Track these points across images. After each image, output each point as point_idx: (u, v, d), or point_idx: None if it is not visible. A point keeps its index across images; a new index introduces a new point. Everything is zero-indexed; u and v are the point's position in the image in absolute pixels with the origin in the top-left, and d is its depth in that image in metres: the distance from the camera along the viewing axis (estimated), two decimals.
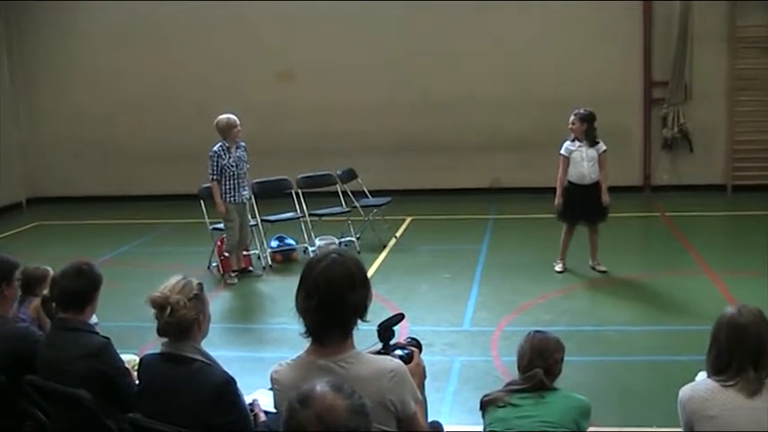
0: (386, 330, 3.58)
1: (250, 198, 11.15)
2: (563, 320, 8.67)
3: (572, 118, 10.35)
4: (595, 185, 10.23)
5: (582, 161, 10.21)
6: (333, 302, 3.24)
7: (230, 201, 10.61)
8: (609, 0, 15.49)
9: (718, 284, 9.80)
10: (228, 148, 10.61)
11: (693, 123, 15.68)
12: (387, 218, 12.98)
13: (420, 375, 3.58)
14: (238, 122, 10.62)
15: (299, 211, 12.15)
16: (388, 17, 15.84)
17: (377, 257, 11.66)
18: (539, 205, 14.76)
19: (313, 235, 11.90)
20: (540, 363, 4.29)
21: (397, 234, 12.94)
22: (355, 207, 12.55)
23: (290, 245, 11.83)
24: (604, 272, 10.45)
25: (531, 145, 15.73)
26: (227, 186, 10.60)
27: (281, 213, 12.02)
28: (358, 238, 12.22)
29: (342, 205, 12.56)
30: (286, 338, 8.05)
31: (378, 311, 3.55)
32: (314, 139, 16.00)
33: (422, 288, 10.22)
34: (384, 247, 12.21)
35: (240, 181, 10.71)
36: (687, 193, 15.51)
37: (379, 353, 3.50)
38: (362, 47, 15.97)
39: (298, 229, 11.95)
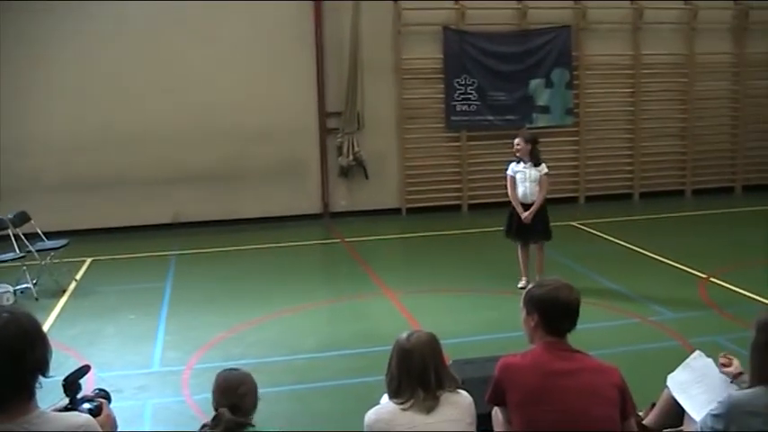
0: (72, 384, 3.46)
1: None
2: (253, 353, 8.73)
3: (517, 139, 10.51)
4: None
5: (525, 181, 10.43)
6: (9, 365, 3.07)
7: None
8: (281, 22, 15.96)
9: (398, 304, 10.31)
10: None
11: (367, 151, 16.40)
12: (65, 260, 12.43)
13: (111, 426, 3.49)
14: None
15: None
16: (64, 50, 15.21)
17: (57, 303, 11.11)
18: (222, 238, 14.86)
19: None
20: (225, 401, 4.29)
21: (78, 277, 12.43)
22: (30, 251, 11.92)
23: None
24: None
25: (213, 177, 15.77)
26: None
27: None
28: (35, 284, 11.58)
29: (15, 250, 11.88)
30: None
31: (62, 361, 3.43)
32: None
33: (107, 331, 9.87)
34: (64, 291, 11.67)
35: None
36: (365, 218, 16.21)
37: (66, 409, 3.38)
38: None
39: None
